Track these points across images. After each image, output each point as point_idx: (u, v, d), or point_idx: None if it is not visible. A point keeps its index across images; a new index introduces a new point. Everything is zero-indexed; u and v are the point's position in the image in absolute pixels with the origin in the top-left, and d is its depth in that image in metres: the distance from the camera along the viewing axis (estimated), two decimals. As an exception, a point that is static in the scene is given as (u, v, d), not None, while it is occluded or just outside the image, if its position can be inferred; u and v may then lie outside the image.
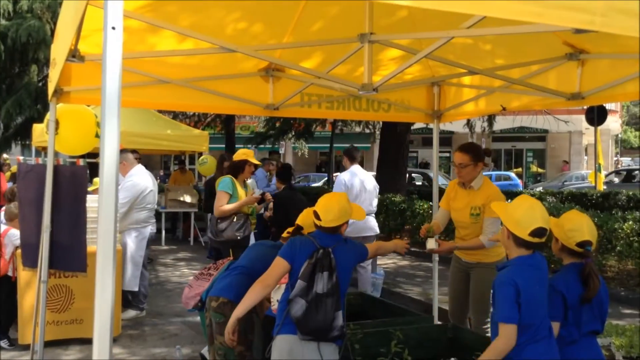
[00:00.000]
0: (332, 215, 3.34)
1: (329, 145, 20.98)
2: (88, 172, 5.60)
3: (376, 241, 4.12)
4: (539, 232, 2.82)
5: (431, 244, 4.47)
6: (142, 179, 6.78)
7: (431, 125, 5.64)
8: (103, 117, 1.53)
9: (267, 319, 3.68)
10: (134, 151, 10.68)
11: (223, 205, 5.58)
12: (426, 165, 33.40)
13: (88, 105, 5.66)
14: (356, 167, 7.22)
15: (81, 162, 4.86)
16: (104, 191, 1.55)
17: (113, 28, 1.53)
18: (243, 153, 5.89)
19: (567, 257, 3.10)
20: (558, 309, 2.99)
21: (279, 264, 3.33)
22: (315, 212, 3.40)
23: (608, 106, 18.24)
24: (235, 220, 5.63)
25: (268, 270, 3.40)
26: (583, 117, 16.97)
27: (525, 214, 2.86)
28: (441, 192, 5.03)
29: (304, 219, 3.90)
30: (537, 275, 2.89)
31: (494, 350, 2.79)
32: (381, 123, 15.50)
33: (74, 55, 3.43)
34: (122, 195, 6.52)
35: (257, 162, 5.76)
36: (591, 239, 3.02)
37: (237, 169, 5.78)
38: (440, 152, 5.77)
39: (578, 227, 3.03)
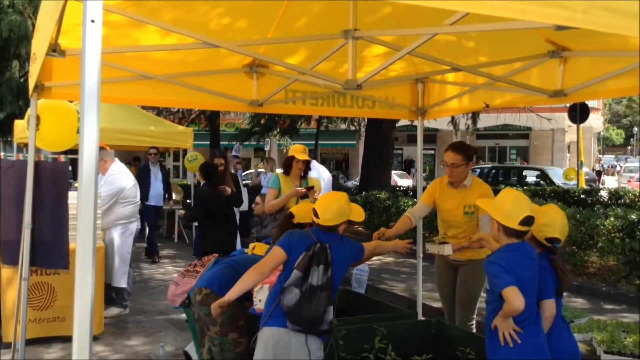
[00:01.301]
0: (329, 215, 3.39)
1: (314, 142, 20.99)
2: (70, 168, 5.55)
3: (376, 240, 4.11)
4: (527, 220, 2.98)
5: (448, 250, 4.24)
6: (122, 174, 6.76)
7: (416, 123, 5.66)
8: (82, 111, 1.51)
9: (251, 318, 3.68)
10: (153, 147, 10.63)
11: (269, 201, 5.56)
12: (411, 162, 33.54)
13: (70, 101, 5.62)
14: (312, 162, 7.31)
15: (63, 158, 4.81)
16: (84, 186, 1.53)
17: (92, 21, 1.51)
18: (292, 149, 5.74)
19: (535, 246, 3.19)
20: (550, 287, 3.09)
21: (276, 253, 3.37)
22: (314, 210, 3.46)
23: (590, 104, 18.42)
24: (277, 217, 5.53)
25: (264, 258, 3.46)
26: (566, 114, 17.12)
27: (513, 205, 3.02)
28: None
29: (298, 209, 3.98)
30: (525, 261, 2.99)
31: (504, 312, 2.90)
32: (366, 120, 15.54)
33: (55, 49, 3.39)
34: (105, 189, 6.48)
35: (304, 158, 5.60)
36: (560, 237, 3.16)
37: (287, 166, 5.67)
38: (424, 149, 5.81)
39: (552, 223, 3.15)
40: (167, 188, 11.08)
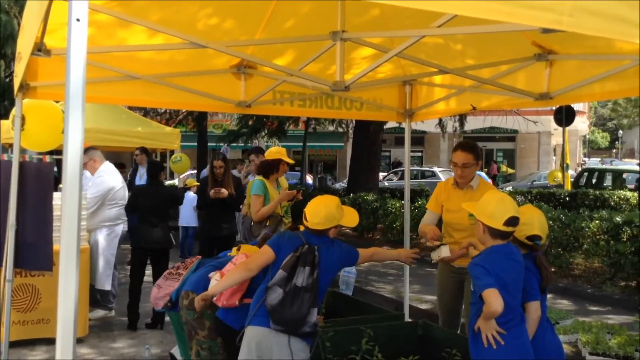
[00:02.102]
0: (318, 219, 3.40)
1: (302, 143, 21.00)
2: (55, 168, 5.50)
3: (375, 247, 4.03)
4: (512, 221, 3.01)
5: (445, 251, 3.94)
6: (112, 175, 6.70)
7: (404, 125, 5.67)
8: (67, 110, 1.50)
9: (222, 325, 3.68)
10: (139, 148, 10.48)
11: (259, 209, 5.38)
12: (399, 164, 33.66)
13: (56, 102, 5.57)
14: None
15: (48, 158, 4.77)
16: (68, 187, 1.52)
17: (78, 20, 1.50)
18: (277, 152, 5.64)
19: (519, 248, 3.22)
20: (535, 288, 3.12)
21: (265, 252, 3.41)
22: (303, 212, 3.46)
23: (576, 107, 18.57)
24: (268, 224, 5.37)
25: (253, 256, 3.48)
26: (552, 117, 17.25)
27: (497, 206, 3.05)
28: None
29: None
30: (509, 263, 3.01)
31: (484, 314, 2.93)
32: (354, 122, 15.56)
33: (40, 49, 3.36)
34: (92, 190, 6.43)
35: (290, 161, 5.61)
36: (541, 234, 3.21)
37: (270, 168, 5.54)
38: (412, 151, 5.84)
39: (529, 221, 3.20)
40: None
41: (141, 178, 10.24)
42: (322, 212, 3.40)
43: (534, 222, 3.21)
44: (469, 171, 4.26)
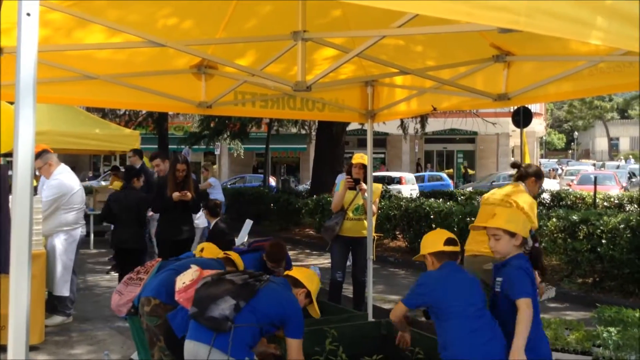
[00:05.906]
0: (304, 273, 3.61)
1: (265, 146, 20.92)
2: (10, 171, 5.33)
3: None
4: (451, 240, 3.30)
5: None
6: (68, 178, 6.52)
7: (366, 127, 5.69)
8: (17, 108, 1.44)
9: (167, 327, 3.63)
10: (136, 150, 10.16)
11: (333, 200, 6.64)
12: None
13: (11, 103, 5.41)
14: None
15: (2, 161, 4.63)
16: (19, 189, 1.46)
17: (28, 14, 1.44)
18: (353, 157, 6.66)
19: (518, 249, 3.32)
20: (529, 286, 3.19)
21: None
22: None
23: (533, 109, 18.97)
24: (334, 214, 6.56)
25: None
26: (510, 119, 17.57)
27: (433, 235, 3.43)
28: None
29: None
30: (458, 277, 3.24)
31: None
32: (317, 124, 15.59)
33: (-9, 47, 3.25)
34: (47, 193, 6.24)
35: (359, 162, 6.37)
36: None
37: (348, 171, 6.55)
38: (374, 153, 5.87)
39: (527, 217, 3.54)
40: None
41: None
42: (312, 275, 3.58)
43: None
44: None
